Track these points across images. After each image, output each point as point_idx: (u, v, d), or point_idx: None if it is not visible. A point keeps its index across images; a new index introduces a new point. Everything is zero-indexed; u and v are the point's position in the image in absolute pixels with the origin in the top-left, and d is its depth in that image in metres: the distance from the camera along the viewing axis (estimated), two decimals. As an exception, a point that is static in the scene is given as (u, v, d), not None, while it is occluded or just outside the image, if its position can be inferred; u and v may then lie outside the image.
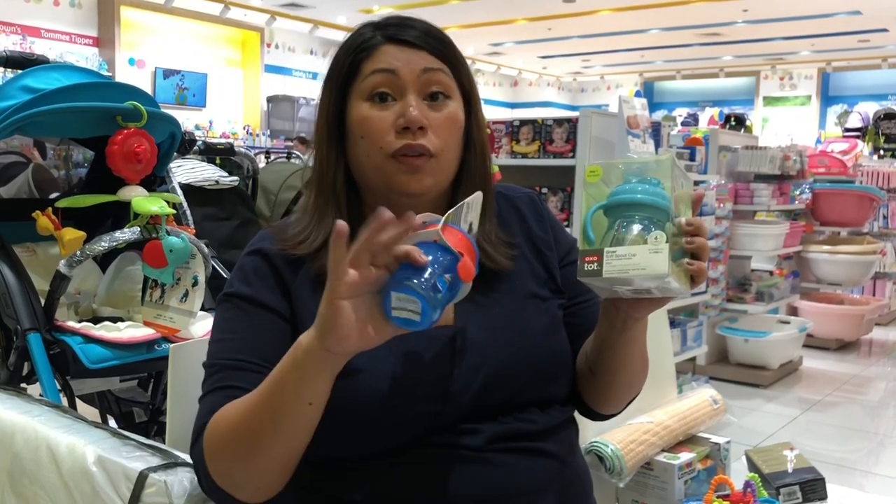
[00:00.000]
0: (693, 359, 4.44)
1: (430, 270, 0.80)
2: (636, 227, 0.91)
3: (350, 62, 1.04)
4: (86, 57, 10.29)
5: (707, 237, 0.94)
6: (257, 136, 11.63)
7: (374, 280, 0.80)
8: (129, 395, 2.23)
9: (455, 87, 1.05)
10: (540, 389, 1.05)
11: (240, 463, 0.92)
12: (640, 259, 0.89)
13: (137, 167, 1.73)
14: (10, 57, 1.92)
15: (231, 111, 12.27)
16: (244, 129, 11.94)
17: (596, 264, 0.90)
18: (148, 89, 10.85)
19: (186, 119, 11.25)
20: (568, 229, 3.58)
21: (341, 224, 0.79)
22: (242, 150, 3.18)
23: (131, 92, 1.79)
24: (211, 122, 11.55)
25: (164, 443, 1.20)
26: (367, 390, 0.97)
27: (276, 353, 0.95)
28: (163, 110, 1.87)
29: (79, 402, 2.01)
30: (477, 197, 0.94)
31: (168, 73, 11.22)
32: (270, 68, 12.65)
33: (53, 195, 2.22)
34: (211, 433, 0.94)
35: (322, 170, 1.06)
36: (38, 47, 9.82)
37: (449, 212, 0.87)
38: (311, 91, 12.91)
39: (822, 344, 5.63)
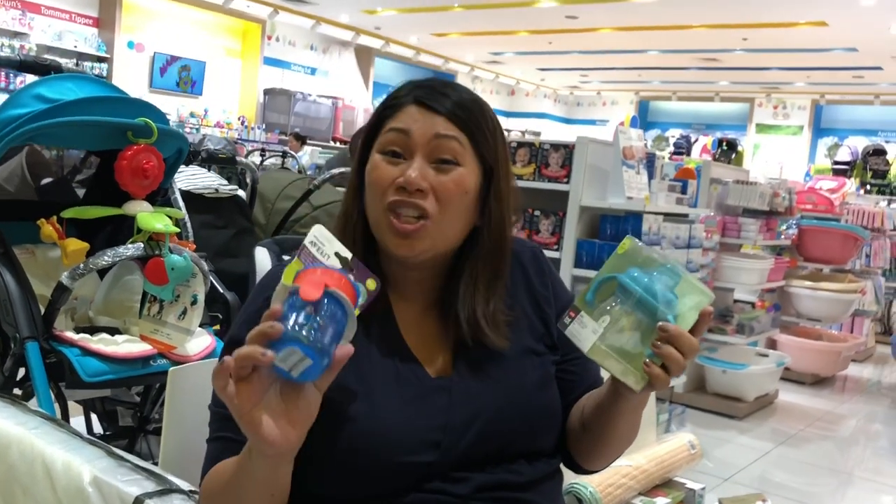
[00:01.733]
0: (671, 387, 4.50)
1: (292, 317, 0.82)
2: (616, 309, 0.98)
3: (378, 115, 1.09)
4: (85, 37, 10.25)
5: (689, 354, 0.94)
6: (252, 128, 11.60)
7: (261, 378, 0.83)
8: (114, 394, 2.25)
9: (470, 156, 1.07)
10: (529, 442, 1.09)
11: None
12: (583, 332, 0.98)
13: (144, 182, 1.76)
14: (23, 61, 1.94)
15: (227, 101, 12.25)
16: (239, 119, 11.91)
17: (569, 320, 1.00)
18: (145, 73, 10.91)
19: (182, 106, 11.22)
20: (557, 253, 3.65)
21: (222, 366, 0.82)
22: (243, 160, 3.20)
23: (142, 107, 1.81)
24: (206, 111, 11.52)
25: (151, 453, 1.22)
26: (362, 438, 1.00)
27: None
28: (172, 127, 1.89)
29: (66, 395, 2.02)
30: (318, 230, 0.95)
31: (167, 59, 11.18)
32: (269, 61, 12.63)
33: (46, 180, 2.23)
34: (204, 488, 1.01)
35: (348, 213, 1.12)
36: (38, 23, 9.77)
37: (291, 261, 0.92)
38: (309, 86, 12.91)
39: (798, 378, 5.70)
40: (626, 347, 0.96)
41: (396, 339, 1.09)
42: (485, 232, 1.10)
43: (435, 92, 1.07)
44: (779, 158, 14.39)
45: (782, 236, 5.45)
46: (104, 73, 10.21)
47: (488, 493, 1.04)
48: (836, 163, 13.13)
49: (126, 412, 2.38)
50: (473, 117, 1.07)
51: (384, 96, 1.13)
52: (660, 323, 0.95)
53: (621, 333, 0.97)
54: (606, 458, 1.18)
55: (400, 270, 1.10)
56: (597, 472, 1.23)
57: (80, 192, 2.14)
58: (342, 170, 3.21)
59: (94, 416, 2.51)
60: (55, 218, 1.79)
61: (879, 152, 12.83)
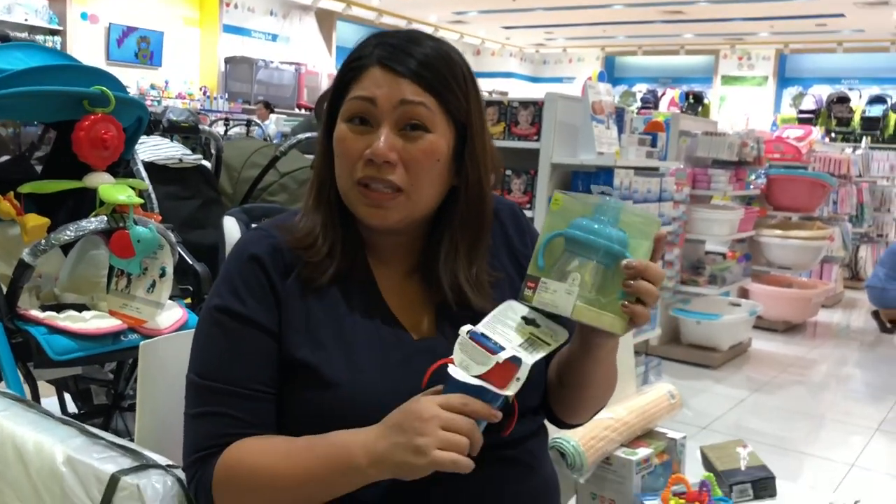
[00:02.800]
0: (646, 339, 4.54)
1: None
2: (574, 263, 0.96)
3: (341, 78, 1.05)
4: (35, 10, 9.93)
5: (658, 280, 0.95)
6: (215, 98, 11.38)
7: None
8: (87, 372, 2.21)
9: (440, 119, 1.02)
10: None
11: None
12: (556, 297, 0.95)
13: (104, 154, 1.70)
14: (-32, 32, 1.85)
15: (188, 72, 11.97)
16: (201, 90, 11.67)
17: (531, 291, 0.97)
18: (101, 45, 10.62)
19: (141, 78, 10.96)
20: (530, 212, 3.63)
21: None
22: (207, 128, 3.12)
23: (98, 75, 1.74)
24: (167, 83, 11.27)
25: (128, 430, 1.20)
26: (348, 402, 0.99)
27: (269, 375, 1.02)
28: (130, 95, 1.83)
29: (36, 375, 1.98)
30: (502, 308, 1.00)
31: (123, 30, 10.89)
32: (229, 28, 12.35)
33: (3, 158, 2.16)
34: (230, 474, 0.99)
35: (321, 177, 1.09)
36: (-15, -3, 9.45)
37: (462, 355, 0.95)
38: (271, 53, 12.67)
39: (770, 326, 5.79)
40: (600, 297, 0.95)
41: (378, 303, 1.07)
42: (462, 193, 1.07)
43: (398, 51, 1.02)
44: (745, 109, 14.45)
45: (752, 186, 5.49)
46: (58, 47, 9.91)
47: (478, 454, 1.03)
48: (802, 112, 13.23)
49: (100, 390, 2.34)
50: (440, 76, 1.02)
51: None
52: (623, 262, 0.94)
53: (589, 285, 0.95)
54: (588, 410, 1.18)
55: (378, 235, 1.09)
56: (580, 425, 1.23)
57: (41, 169, 2.08)
58: (308, 135, 3.15)
59: (68, 397, 2.47)
60: (12, 194, 1.73)
61: (843, 100, 12.94)
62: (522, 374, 0.92)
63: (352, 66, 1.04)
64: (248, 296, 1.03)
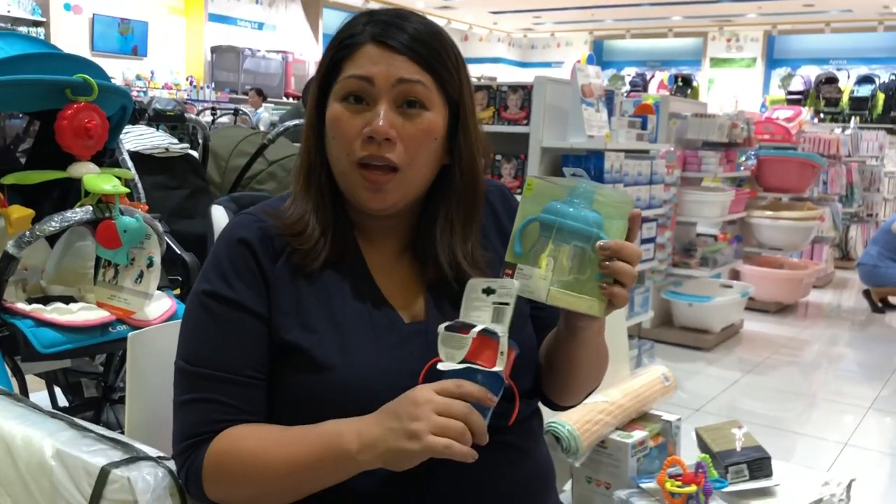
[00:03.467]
0: (639, 322, 4.54)
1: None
2: (549, 248, 0.95)
3: (332, 58, 1.03)
4: (17, 0, 9.83)
5: (634, 259, 0.94)
6: (201, 88, 11.30)
7: None
8: (77, 365, 2.19)
9: (437, 98, 1.02)
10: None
11: (246, 499, 1.00)
12: (532, 282, 0.95)
13: (88, 143, 1.67)
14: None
15: (173, 61, 11.89)
16: (187, 80, 11.59)
17: (509, 278, 0.97)
18: (85, 36, 10.52)
19: (127, 69, 10.88)
20: (521, 197, 3.62)
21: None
22: (193, 117, 3.09)
23: (80, 64, 1.71)
24: (153, 73, 11.19)
25: (119, 422, 1.18)
26: (341, 387, 0.98)
27: (259, 360, 1.01)
28: (114, 83, 1.80)
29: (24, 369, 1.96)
30: (467, 290, 0.98)
31: (107, 21, 10.78)
32: (214, 17, 12.27)
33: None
34: (220, 461, 0.98)
35: (310, 161, 1.07)
36: (-35, -11, 9.34)
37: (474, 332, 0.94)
38: (257, 41, 12.59)
39: (762, 307, 5.81)
40: (577, 280, 0.95)
41: (369, 286, 1.06)
42: (456, 172, 1.07)
43: (391, 27, 1.01)
44: (733, 92, 14.46)
45: (742, 167, 5.49)
46: (42, 38, 9.81)
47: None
48: (790, 93, 13.24)
49: (90, 383, 2.32)
50: (435, 52, 1.02)
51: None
52: (598, 243, 0.93)
53: (566, 269, 0.95)
54: (580, 391, 1.17)
55: (368, 217, 1.08)
56: (573, 406, 1.22)
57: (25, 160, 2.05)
58: (296, 122, 3.12)
59: (58, 390, 2.45)
60: (-5, 185, 1.70)
61: (831, 80, 12.96)
62: (503, 346, 0.92)
63: (343, 45, 1.02)
64: (237, 279, 1.02)
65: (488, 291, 0.97)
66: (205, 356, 1.01)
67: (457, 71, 1.04)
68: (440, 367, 0.93)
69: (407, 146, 1.00)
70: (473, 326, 0.94)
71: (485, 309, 0.96)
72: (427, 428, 0.87)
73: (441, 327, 0.95)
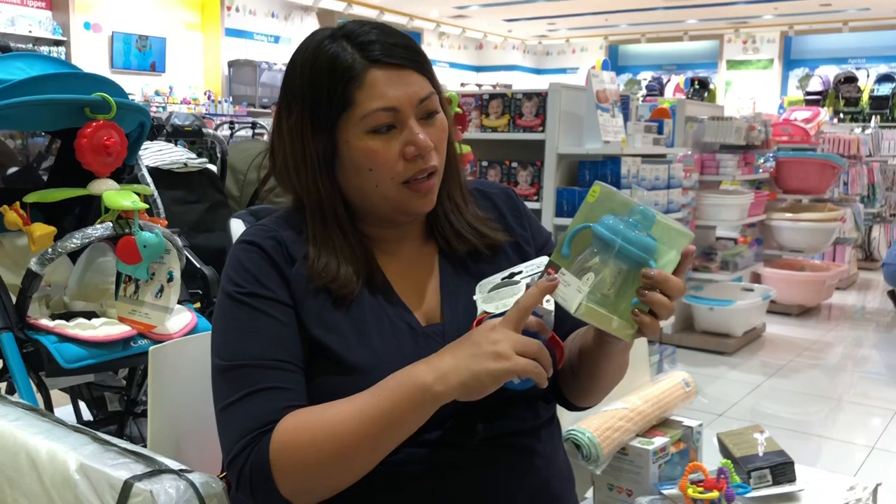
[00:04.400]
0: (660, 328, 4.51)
1: None
2: (595, 261, 0.94)
3: (341, 91, 1.01)
4: (39, 20, 9.98)
5: (677, 296, 0.92)
6: (219, 102, 11.40)
7: None
8: (100, 380, 2.21)
9: (437, 98, 1.07)
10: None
11: (323, 476, 0.94)
12: (568, 291, 0.94)
13: (107, 160, 1.69)
14: (-32, 43, 1.86)
15: (191, 76, 12.00)
16: (205, 94, 11.70)
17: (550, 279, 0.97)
18: (105, 54, 10.66)
19: (146, 85, 11.00)
20: (537, 204, 3.61)
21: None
22: (211, 131, 3.12)
23: (99, 82, 1.74)
24: (171, 89, 11.30)
25: (142, 436, 1.19)
26: (365, 388, 0.98)
27: (298, 349, 1.01)
28: (132, 100, 1.82)
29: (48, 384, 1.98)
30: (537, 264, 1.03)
31: (126, 38, 10.91)
32: (231, 32, 12.37)
33: (12, 170, 2.16)
34: (289, 438, 0.94)
35: (321, 200, 1.07)
36: (-11, 11, 9.49)
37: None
38: (273, 55, 12.68)
39: (784, 310, 5.75)
40: (611, 300, 0.93)
41: (385, 290, 1.08)
42: (448, 150, 1.11)
43: (378, 44, 1.02)
44: (751, 94, 14.36)
45: (760, 170, 5.45)
46: (63, 57, 9.95)
47: (495, 441, 1.04)
48: (809, 93, 13.12)
49: (114, 397, 2.34)
50: (421, 54, 1.06)
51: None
52: (643, 270, 0.91)
53: (604, 286, 0.93)
54: (598, 395, 1.19)
55: (381, 231, 1.11)
56: (589, 407, 1.23)
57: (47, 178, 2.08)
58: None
59: (83, 405, 2.48)
60: (18, 204, 1.73)
61: (851, 80, 12.83)
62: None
63: (347, 76, 1.01)
64: (261, 275, 1.03)
65: (511, 276, 1.02)
66: (247, 351, 1.00)
67: (429, 62, 1.09)
68: (502, 305, 0.97)
69: (438, 149, 1.06)
70: (516, 281, 0.99)
71: (512, 287, 1.01)
72: (512, 347, 0.88)
73: (483, 286, 1.01)
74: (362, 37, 1.03)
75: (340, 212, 1.07)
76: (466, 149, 2.50)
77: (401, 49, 1.03)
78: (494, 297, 1.00)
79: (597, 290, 0.93)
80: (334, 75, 1.01)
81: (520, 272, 1.02)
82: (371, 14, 14.08)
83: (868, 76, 12.95)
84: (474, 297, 1.02)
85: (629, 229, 0.93)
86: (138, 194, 1.75)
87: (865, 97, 12.61)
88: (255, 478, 0.95)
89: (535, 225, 1.21)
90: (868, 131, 7.73)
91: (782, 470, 1.56)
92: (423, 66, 1.06)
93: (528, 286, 0.97)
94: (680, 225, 0.96)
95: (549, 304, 0.95)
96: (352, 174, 1.05)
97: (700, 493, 1.35)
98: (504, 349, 0.88)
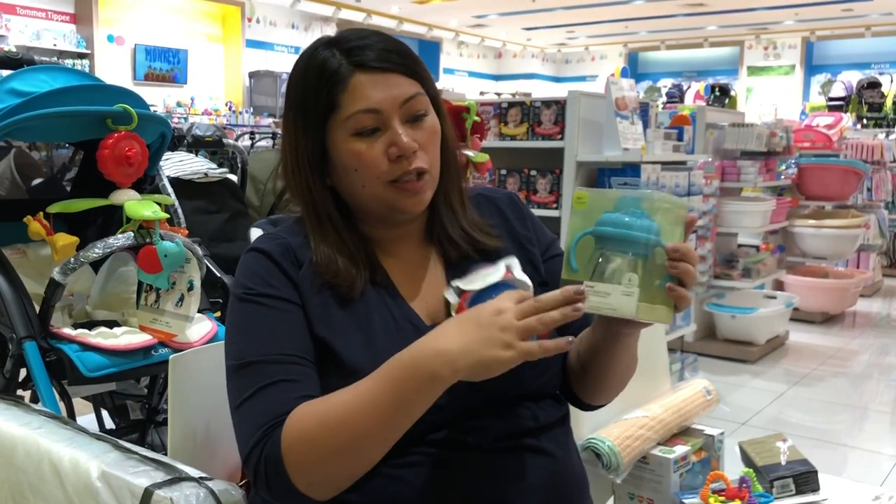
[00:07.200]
0: (681, 336, 4.48)
1: None
2: (616, 262, 0.94)
3: (326, 95, 1.05)
4: (63, 34, 10.12)
5: (696, 263, 0.96)
6: (240, 113, 11.50)
7: None
8: (122, 388, 2.23)
9: (426, 100, 1.08)
10: (530, 381, 1.09)
11: (335, 464, 0.95)
12: (612, 299, 0.93)
13: (129, 171, 1.72)
14: (-6, 56, 1.89)
15: (213, 88, 12.12)
16: (227, 105, 11.81)
17: None
18: (128, 66, 10.79)
19: (168, 96, 11.12)
20: (557, 211, 3.60)
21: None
22: (231, 141, 3.15)
23: (120, 94, 1.76)
24: (193, 100, 11.41)
25: (163, 444, 1.20)
26: None
27: (308, 345, 1.03)
28: (153, 111, 1.85)
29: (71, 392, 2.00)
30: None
31: (148, 50, 11.05)
32: (252, 43, 12.48)
33: (37, 181, 2.19)
34: (299, 428, 0.95)
35: (313, 199, 1.10)
36: (14, 24, 9.64)
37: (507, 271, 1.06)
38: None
39: (807, 317, 5.69)
40: (648, 289, 0.94)
41: (390, 290, 1.10)
42: (447, 155, 1.13)
43: (365, 49, 1.05)
44: (772, 100, 14.25)
45: (782, 176, 5.40)
46: (87, 70, 10.09)
47: (505, 442, 1.04)
48: (831, 99, 12.98)
49: (136, 405, 2.36)
50: (411, 58, 1.08)
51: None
52: (669, 246, 0.94)
53: (634, 279, 0.93)
54: (609, 393, 1.19)
55: (381, 232, 1.13)
56: (602, 406, 1.23)
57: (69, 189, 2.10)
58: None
59: (105, 413, 2.50)
60: (41, 214, 1.75)
61: (874, 85, 12.67)
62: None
63: (332, 81, 1.04)
64: (270, 277, 1.06)
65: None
66: (260, 348, 1.01)
67: (423, 67, 1.10)
68: (481, 281, 1.04)
69: (426, 150, 1.07)
70: (494, 261, 1.08)
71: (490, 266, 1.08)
72: (517, 334, 0.89)
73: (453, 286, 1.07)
74: (352, 43, 1.06)
75: (332, 212, 1.10)
76: (485, 157, 2.50)
77: (390, 54, 1.06)
78: (474, 278, 1.04)
79: (643, 288, 0.94)
80: (321, 80, 1.05)
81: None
82: (390, 24, 14.14)
83: (892, 81, 12.78)
84: (444, 294, 1.06)
85: (628, 219, 0.95)
86: (159, 204, 1.77)
87: (889, 102, 12.46)
88: (269, 471, 0.95)
89: (539, 227, 1.24)
90: (892, 136, 7.64)
91: (805, 479, 1.54)
92: (412, 69, 1.07)
93: (507, 267, 1.02)
94: (673, 197, 0.98)
95: (522, 275, 1.00)
96: (342, 175, 1.08)
97: (722, 502, 1.34)
98: (509, 338, 0.89)
